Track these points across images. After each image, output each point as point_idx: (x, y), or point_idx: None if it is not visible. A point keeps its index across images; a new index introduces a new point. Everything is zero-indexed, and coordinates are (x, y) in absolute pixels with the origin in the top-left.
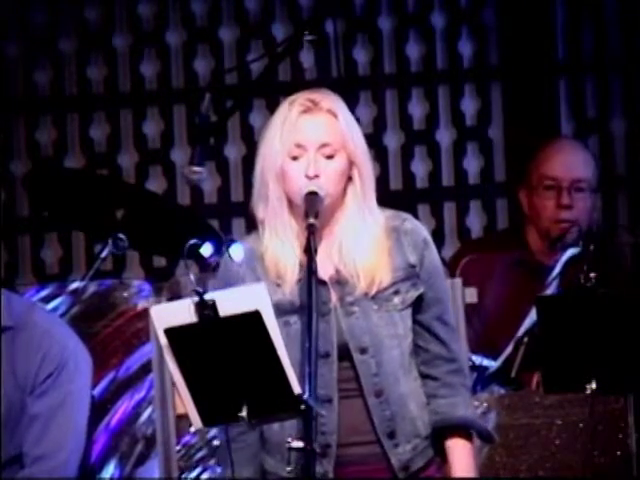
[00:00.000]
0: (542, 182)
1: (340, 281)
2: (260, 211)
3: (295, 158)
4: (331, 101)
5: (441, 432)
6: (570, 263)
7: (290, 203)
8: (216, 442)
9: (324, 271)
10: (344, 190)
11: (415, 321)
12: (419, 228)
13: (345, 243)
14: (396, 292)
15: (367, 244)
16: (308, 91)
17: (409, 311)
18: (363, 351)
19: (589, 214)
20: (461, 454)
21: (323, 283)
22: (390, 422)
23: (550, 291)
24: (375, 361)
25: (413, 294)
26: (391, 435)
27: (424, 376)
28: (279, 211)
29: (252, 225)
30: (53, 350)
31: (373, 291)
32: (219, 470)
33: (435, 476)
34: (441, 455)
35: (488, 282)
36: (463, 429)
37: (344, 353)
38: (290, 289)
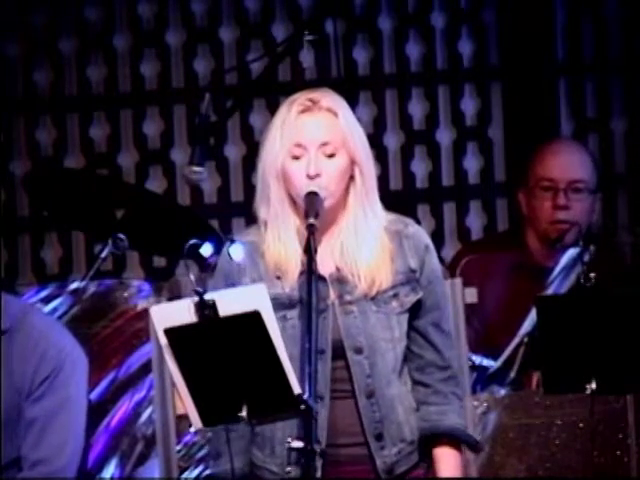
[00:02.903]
0: (539, 183)
1: (340, 279)
2: (262, 212)
3: (296, 158)
4: (331, 99)
5: (429, 439)
6: (571, 263)
7: (292, 203)
8: (209, 433)
9: (324, 268)
10: (346, 189)
11: (411, 326)
12: (421, 233)
13: (347, 242)
14: (395, 295)
15: (369, 245)
16: (308, 90)
17: (406, 316)
18: (358, 351)
19: (587, 215)
20: (448, 464)
21: (322, 279)
22: (378, 424)
23: (550, 291)
24: (369, 362)
25: (412, 298)
26: (379, 437)
27: (416, 382)
28: (281, 211)
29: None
30: (49, 353)
31: (373, 292)
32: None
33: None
34: (427, 461)
35: (488, 282)
36: (451, 438)
37: (339, 352)
38: (290, 284)
